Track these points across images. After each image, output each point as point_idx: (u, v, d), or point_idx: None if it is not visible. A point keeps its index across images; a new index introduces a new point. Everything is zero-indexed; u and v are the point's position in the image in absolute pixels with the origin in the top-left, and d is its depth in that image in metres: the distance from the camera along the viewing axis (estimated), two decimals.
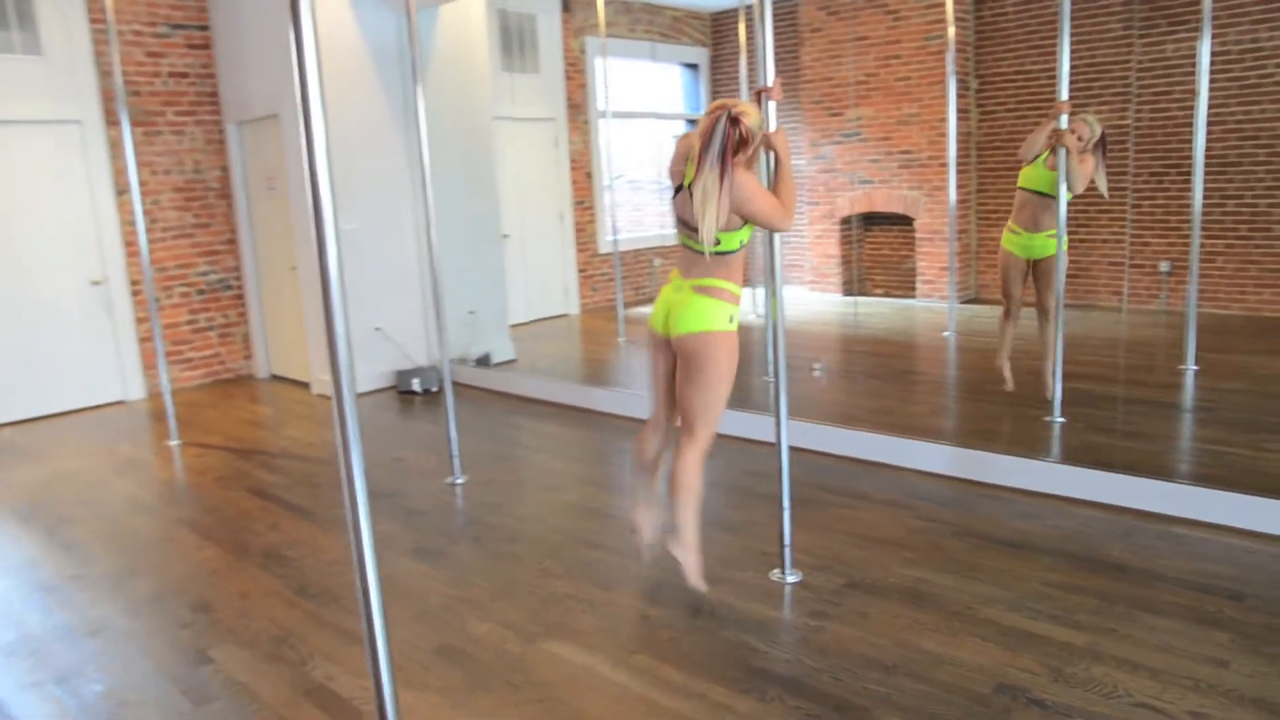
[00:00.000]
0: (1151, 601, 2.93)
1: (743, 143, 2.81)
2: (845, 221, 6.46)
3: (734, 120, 2.78)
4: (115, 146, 6.47)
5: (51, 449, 5.57)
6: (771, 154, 3.02)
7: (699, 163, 2.81)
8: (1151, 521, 3.55)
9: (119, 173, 6.52)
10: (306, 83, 1.70)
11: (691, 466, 3.02)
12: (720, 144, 2.76)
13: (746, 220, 2.88)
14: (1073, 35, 4.85)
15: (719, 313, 2.92)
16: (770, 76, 3.05)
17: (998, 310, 5.00)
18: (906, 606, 3.00)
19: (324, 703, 2.67)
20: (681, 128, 7.70)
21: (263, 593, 3.43)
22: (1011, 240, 4.77)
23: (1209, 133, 4.54)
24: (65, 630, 3.21)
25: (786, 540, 3.25)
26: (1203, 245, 4.67)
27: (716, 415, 3.02)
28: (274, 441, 5.51)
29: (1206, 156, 4.55)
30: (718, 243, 2.85)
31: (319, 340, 6.42)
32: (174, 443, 5.49)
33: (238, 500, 4.47)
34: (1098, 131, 4.39)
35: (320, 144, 1.71)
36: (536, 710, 2.57)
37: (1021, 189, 4.72)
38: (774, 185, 2.98)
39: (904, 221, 6.15)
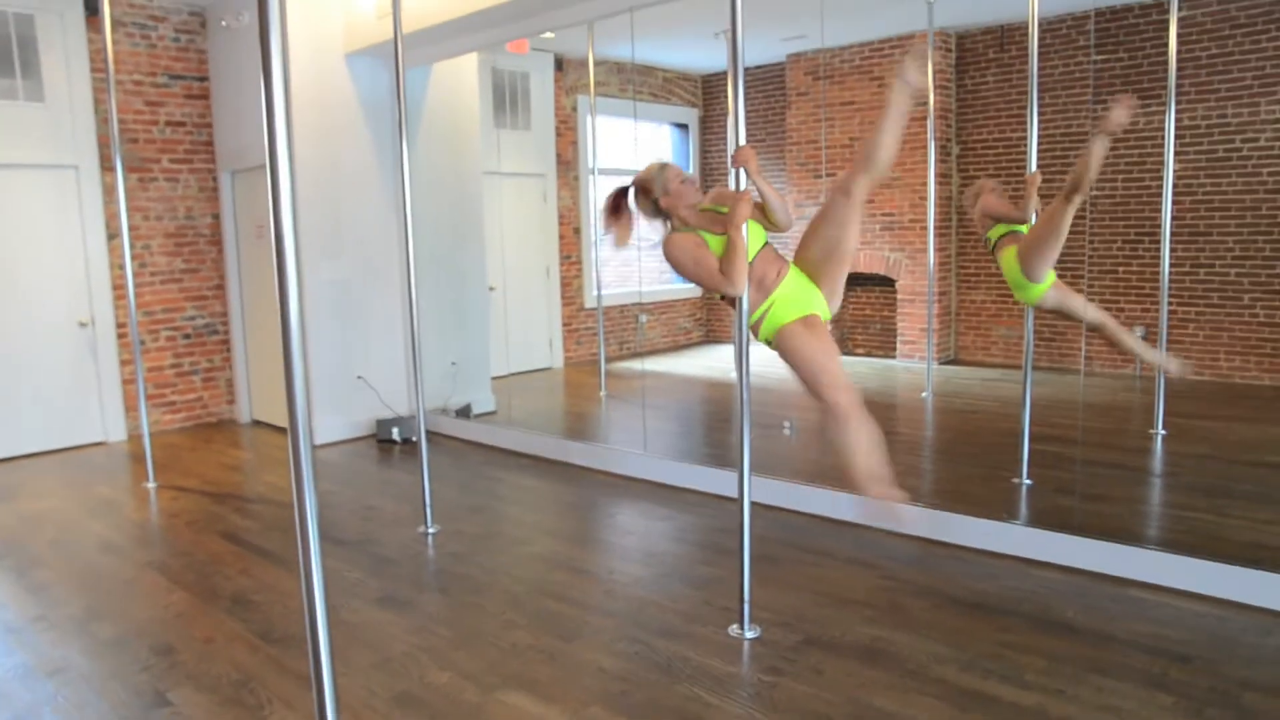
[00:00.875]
0: (1100, 662, 2.96)
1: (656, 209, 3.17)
2: None
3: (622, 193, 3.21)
4: (110, 191, 6.60)
5: (28, 488, 5.59)
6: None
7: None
8: (1109, 584, 3.59)
9: (111, 217, 6.63)
10: (275, 137, 1.77)
11: (837, 436, 3.11)
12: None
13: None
14: (1048, 105, 5.01)
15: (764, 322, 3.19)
16: (742, 138, 3.15)
17: (976, 372, 5.06)
18: (862, 664, 3.03)
19: None
20: None
21: (227, 637, 3.44)
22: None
23: (1180, 203, 4.67)
24: (25, 671, 3.21)
25: (746, 596, 3.28)
26: (1174, 312, 4.77)
27: (827, 383, 3.10)
28: (251, 486, 5.53)
29: (1178, 226, 4.68)
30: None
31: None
32: (150, 485, 5.52)
33: (209, 544, 4.49)
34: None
35: (286, 196, 1.77)
36: None
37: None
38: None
39: (886, 283, 6.25)
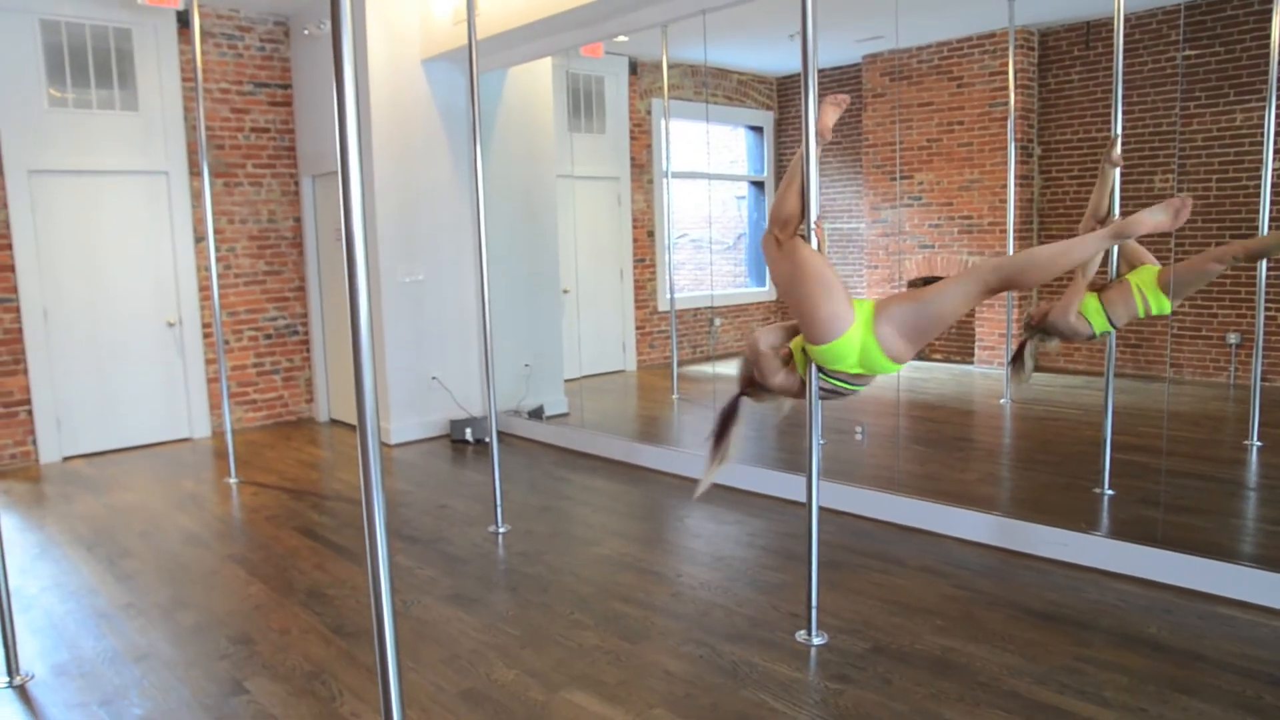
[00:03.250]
0: (1186, 682, 2.84)
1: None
2: (907, 285, 6.45)
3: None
4: (197, 196, 6.84)
5: (119, 482, 5.82)
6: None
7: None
8: (1196, 600, 3.45)
9: (198, 221, 6.87)
10: (346, 145, 1.81)
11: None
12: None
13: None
14: (1136, 103, 4.85)
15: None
16: (813, 142, 3.11)
17: (1055, 379, 4.91)
18: (931, 674, 2.96)
19: None
20: (745, 189, 7.80)
21: (301, 629, 3.52)
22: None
23: (1278, 203, 4.47)
24: (113, 655, 3.34)
25: (814, 601, 3.24)
26: (1272, 318, 4.57)
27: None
28: (327, 484, 5.66)
29: (1276, 227, 4.48)
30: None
31: (378, 387, 6.61)
32: (232, 480, 5.69)
33: (287, 539, 4.60)
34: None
35: (356, 202, 1.82)
36: None
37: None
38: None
39: None
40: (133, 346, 6.73)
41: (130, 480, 5.86)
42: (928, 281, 6.29)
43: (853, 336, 2.90)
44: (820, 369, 3.07)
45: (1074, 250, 2.85)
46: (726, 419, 3.15)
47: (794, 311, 3.04)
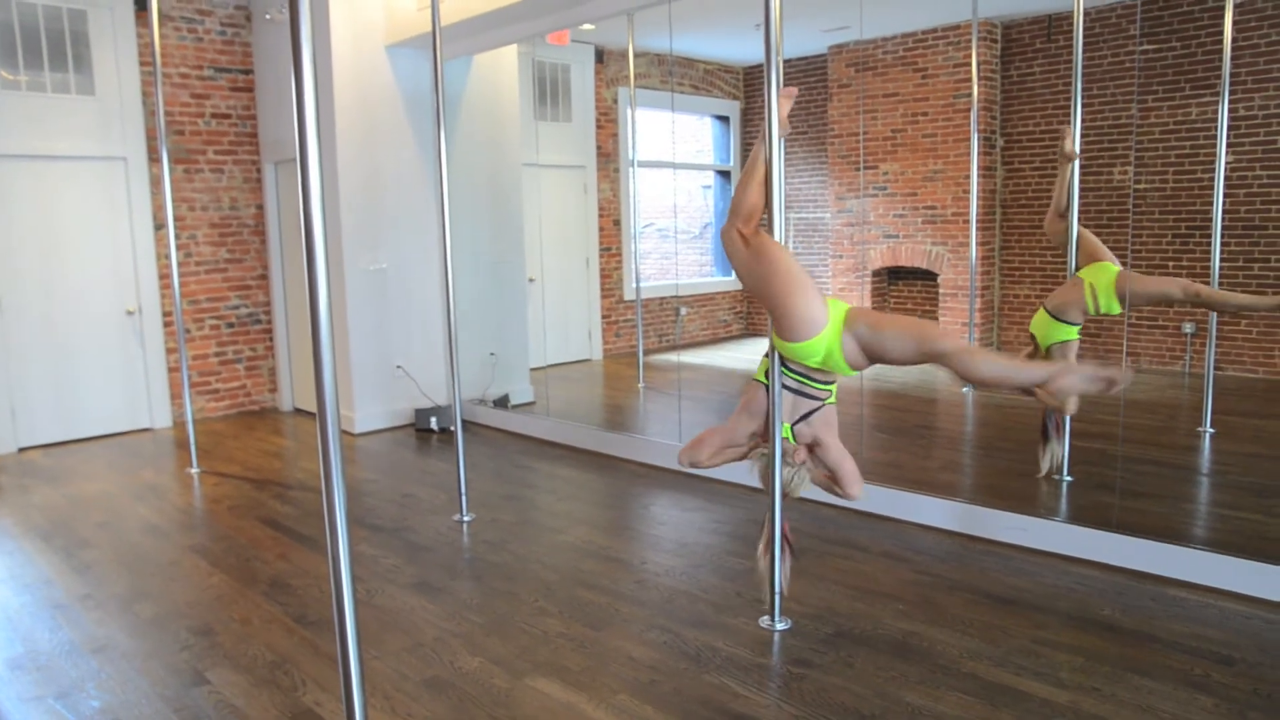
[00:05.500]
0: (1139, 662, 2.91)
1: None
2: (870, 275, 6.50)
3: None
4: (156, 183, 6.73)
5: (77, 472, 5.73)
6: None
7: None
8: (1149, 583, 3.52)
9: (158, 208, 6.77)
10: (305, 131, 1.79)
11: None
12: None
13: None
14: (1095, 96, 4.91)
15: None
16: (775, 134, 3.10)
17: None
18: (893, 658, 3.00)
19: None
20: (711, 179, 7.82)
21: (264, 620, 3.50)
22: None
23: (1233, 195, 4.56)
24: (71, 647, 3.29)
25: (777, 587, 3.27)
26: None
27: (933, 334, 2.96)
28: (290, 473, 5.62)
29: (1230, 219, 4.57)
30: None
31: (341, 376, 6.56)
32: (194, 470, 5.63)
33: (249, 529, 4.56)
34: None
35: (315, 190, 1.80)
36: None
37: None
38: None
39: (928, 277, 6.18)
40: (91, 335, 6.62)
41: (88, 471, 5.77)
42: (892, 272, 6.36)
43: (823, 338, 2.92)
44: (783, 362, 3.08)
45: (1016, 377, 2.86)
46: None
47: (767, 306, 3.02)
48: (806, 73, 6.74)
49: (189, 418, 5.66)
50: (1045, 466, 4.38)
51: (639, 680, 2.93)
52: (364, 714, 1.93)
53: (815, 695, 2.78)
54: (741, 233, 3.03)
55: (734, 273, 3.05)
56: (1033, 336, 4.46)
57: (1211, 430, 4.65)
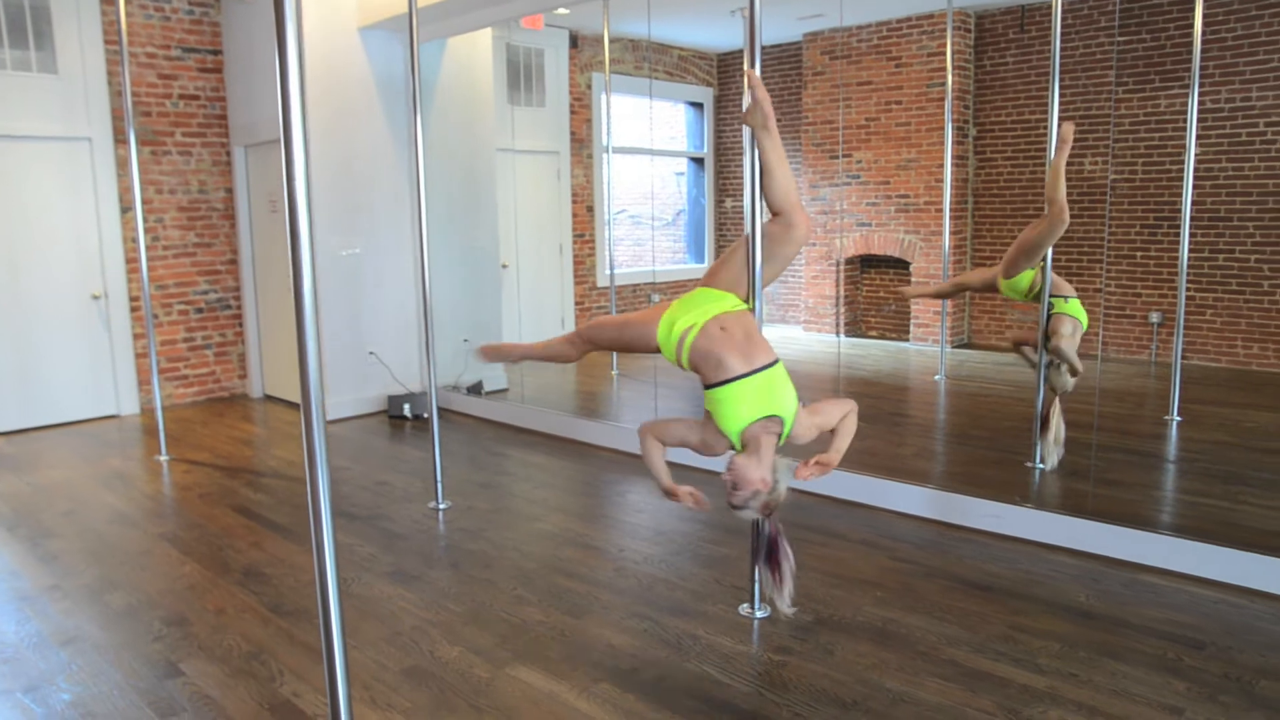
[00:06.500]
0: (1113, 647, 2.95)
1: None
2: (842, 263, 6.53)
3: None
4: (123, 165, 6.60)
5: (42, 460, 5.62)
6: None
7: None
8: (1122, 569, 3.57)
9: (125, 190, 6.63)
10: (290, 111, 1.75)
11: None
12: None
13: None
14: (1068, 87, 4.94)
15: None
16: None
17: (989, 356, 5.02)
18: (873, 645, 3.02)
19: (288, 718, 2.69)
20: (685, 165, 7.80)
21: (238, 609, 3.45)
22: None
23: (1200, 188, 4.62)
24: (39, 640, 3.23)
25: (756, 574, 3.28)
26: (1192, 298, 4.73)
27: None
28: (262, 461, 5.55)
29: (1197, 211, 4.63)
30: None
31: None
32: (163, 458, 5.54)
33: (221, 517, 4.50)
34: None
35: (300, 170, 1.76)
36: None
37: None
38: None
39: (900, 265, 6.21)
40: (55, 320, 6.49)
41: (53, 458, 5.66)
42: (864, 260, 6.39)
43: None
44: None
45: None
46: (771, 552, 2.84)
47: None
48: (781, 60, 6.74)
49: (157, 404, 5.57)
50: (1052, 461, 4.36)
51: (620, 669, 2.93)
52: (348, 707, 1.91)
53: (797, 682, 2.80)
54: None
55: (708, 258, 2.99)
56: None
57: (1179, 418, 4.73)
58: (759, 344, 2.78)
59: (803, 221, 2.87)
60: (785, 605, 2.81)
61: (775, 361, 2.78)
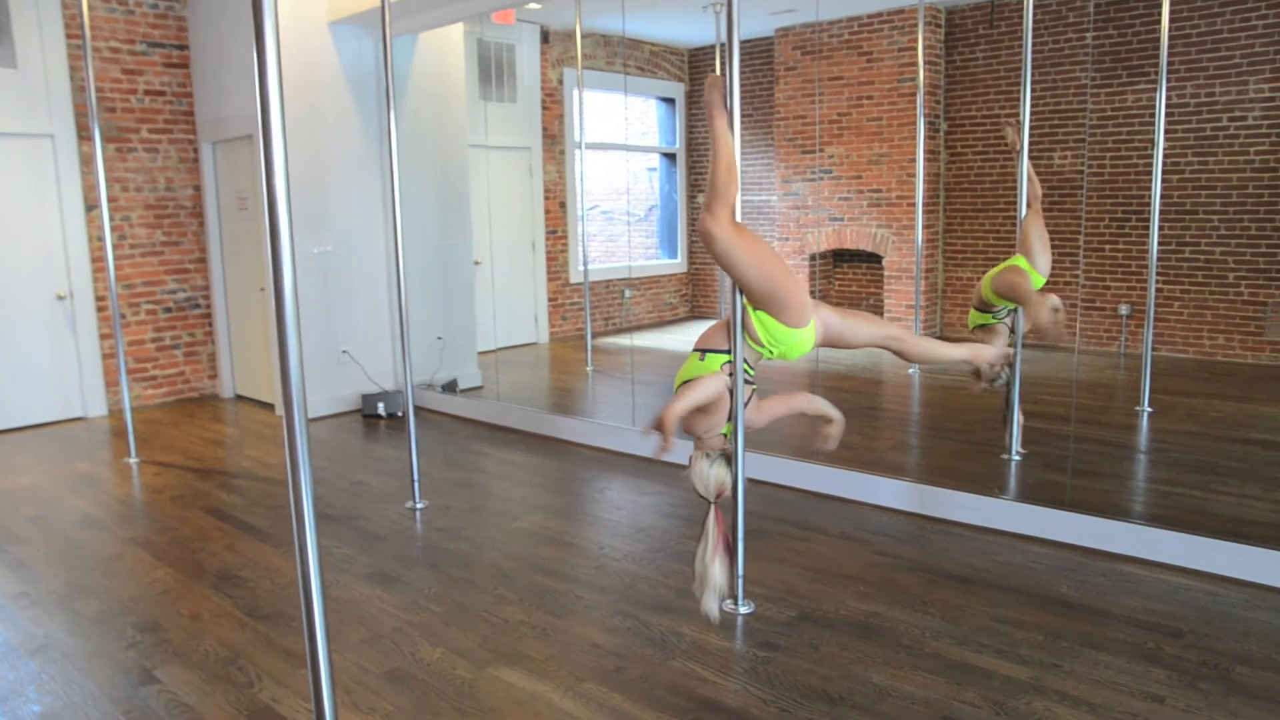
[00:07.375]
0: (1094, 637, 2.97)
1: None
2: (815, 257, 6.54)
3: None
4: (87, 162, 6.47)
5: (7, 464, 5.50)
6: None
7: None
8: (1100, 559, 3.61)
9: (89, 188, 6.51)
10: (269, 107, 1.72)
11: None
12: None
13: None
14: (1038, 83, 4.98)
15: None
16: (736, 112, 3.08)
17: None
18: (857, 639, 3.03)
19: None
20: (657, 161, 7.79)
21: (214, 614, 3.40)
22: None
23: (1167, 181, 4.68)
24: (6, 649, 3.16)
25: (739, 571, 3.27)
26: (1160, 290, 4.78)
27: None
28: (235, 462, 5.47)
29: (1164, 204, 4.69)
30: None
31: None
32: (132, 460, 5.44)
33: (194, 520, 4.43)
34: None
35: (280, 167, 1.73)
36: None
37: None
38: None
39: (873, 259, 6.23)
40: (19, 321, 6.35)
41: (18, 462, 5.55)
42: (836, 254, 6.41)
43: (813, 323, 3.03)
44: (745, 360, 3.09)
45: (943, 354, 3.47)
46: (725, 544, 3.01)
47: (761, 293, 2.93)
48: (754, 55, 6.74)
49: (126, 406, 5.47)
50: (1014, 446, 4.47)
51: (605, 668, 2.91)
52: (334, 714, 1.88)
53: (782, 678, 2.80)
54: (727, 220, 2.87)
55: (721, 263, 2.97)
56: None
57: (1150, 409, 4.78)
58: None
59: (701, 219, 2.89)
60: (714, 605, 2.91)
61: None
